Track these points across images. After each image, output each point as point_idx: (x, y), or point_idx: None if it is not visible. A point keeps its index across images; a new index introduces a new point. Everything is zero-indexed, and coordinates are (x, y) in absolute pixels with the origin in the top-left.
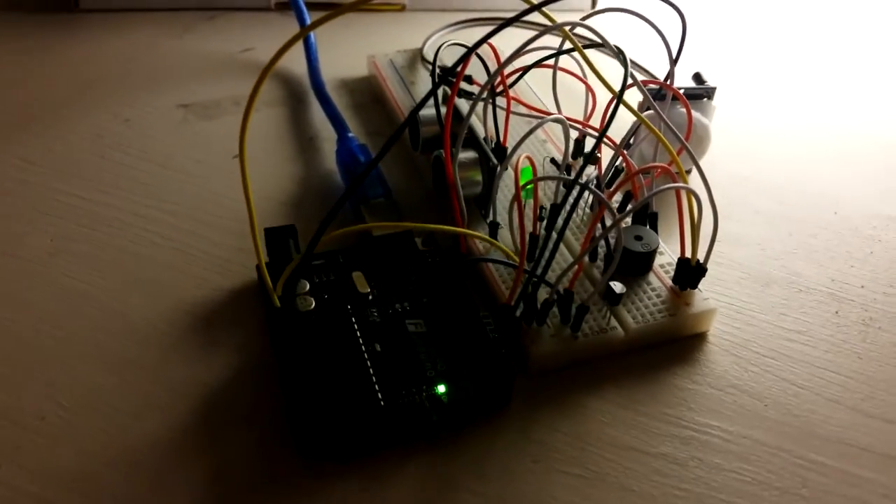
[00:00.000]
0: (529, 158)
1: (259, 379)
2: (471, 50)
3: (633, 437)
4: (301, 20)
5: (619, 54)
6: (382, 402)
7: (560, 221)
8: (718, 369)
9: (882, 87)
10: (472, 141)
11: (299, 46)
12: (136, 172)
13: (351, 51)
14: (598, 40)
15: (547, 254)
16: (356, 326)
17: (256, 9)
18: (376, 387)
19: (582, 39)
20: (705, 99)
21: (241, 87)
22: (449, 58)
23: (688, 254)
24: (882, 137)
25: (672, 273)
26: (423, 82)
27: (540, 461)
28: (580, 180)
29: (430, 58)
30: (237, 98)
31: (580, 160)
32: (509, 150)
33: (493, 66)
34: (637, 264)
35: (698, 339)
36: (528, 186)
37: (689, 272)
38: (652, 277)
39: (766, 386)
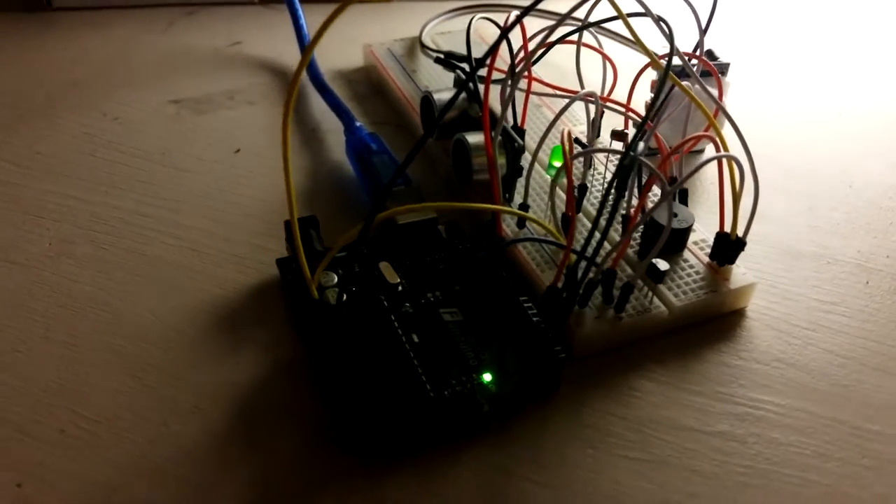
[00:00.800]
0: (569, 133)
1: (293, 376)
2: (504, 32)
3: (689, 416)
4: (294, 11)
5: (660, 23)
6: (432, 394)
7: (589, 202)
8: (762, 344)
9: (883, 67)
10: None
11: (289, 38)
12: (133, 171)
13: (343, 42)
14: (641, 9)
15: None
16: (393, 317)
17: (240, 3)
18: (423, 378)
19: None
20: (720, 75)
21: (233, 81)
22: (446, 42)
23: (726, 228)
24: (886, 115)
25: (706, 249)
26: (425, 70)
27: (597, 447)
28: (632, 153)
29: (430, 44)
30: (231, 92)
31: (597, 140)
32: (545, 130)
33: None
34: (673, 241)
35: (737, 315)
36: (557, 166)
37: (728, 247)
38: (687, 254)
39: (811, 358)
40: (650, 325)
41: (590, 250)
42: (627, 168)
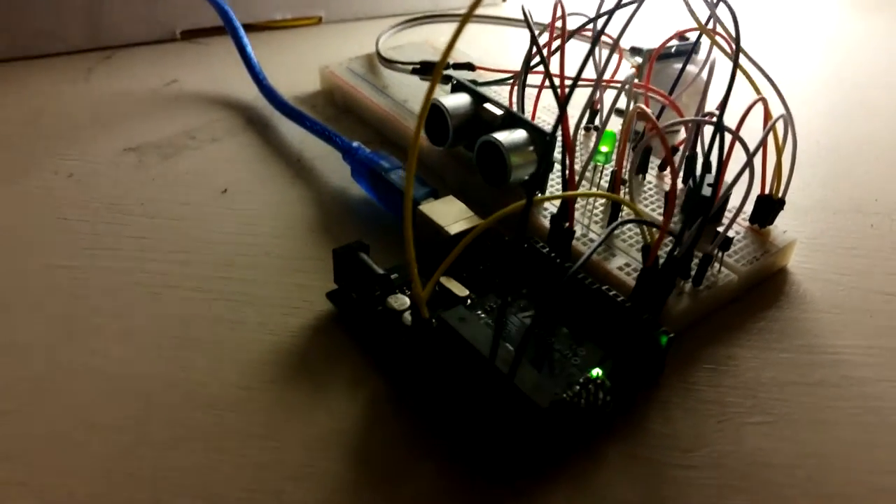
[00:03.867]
0: (642, 108)
1: (394, 411)
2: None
3: (788, 373)
4: (238, 40)
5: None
6: (566, 398)
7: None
8: (816, 295)
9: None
10: (512, 121)
11: (227, 71)
12: (118, 227)
13: (283, 69)
14: None
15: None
16: (488, 331)
17: (160, 41)
18: (547, 387)
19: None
20: (694, 55)
21: (186, 120)
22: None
23: (766, 190)
24: None
25: (741, 214)
26: (397, 83)
27: (723, 420)
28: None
29: (392, 57)
30: (189, 131)
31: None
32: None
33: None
34: (717, 210)
35: (781, 273)
36: (607, 151)
37: (769, 208)
38: (726, 221)
39: (862, 300)
40: (724, 293)
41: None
42: (715, 141)
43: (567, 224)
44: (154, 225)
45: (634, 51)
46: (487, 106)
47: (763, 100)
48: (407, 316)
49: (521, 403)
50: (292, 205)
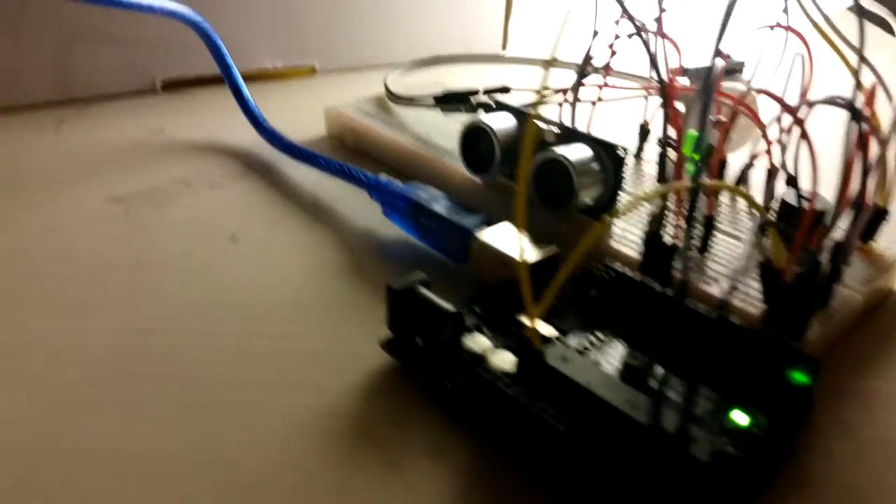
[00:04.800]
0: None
1: (494, 480)
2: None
3: None
4: (232, 79)
5: None
6: (730, 451)
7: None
8: None
9: None
10: (570, 137)
11: (217, 119)
12: (106, 283)
13: (280, 116)
14: None
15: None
16: (601, 373)
17: (139, 92)
18: (701, 438)
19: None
20: (736, 73)
21: (180, 169)
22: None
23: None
24: None
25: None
26: (417, 119)
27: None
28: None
29: (403, 92)
30: (184, 179)
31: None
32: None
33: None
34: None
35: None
36: (694, 158)
37: (874, 219)
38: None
39: None
40: (852, 316)
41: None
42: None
43: (673, 238)
44: (152, 279)
45: (685, 70)
46: (539, 123)
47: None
48: (497, 359)
49: (677, 460)
50: (316, 249)
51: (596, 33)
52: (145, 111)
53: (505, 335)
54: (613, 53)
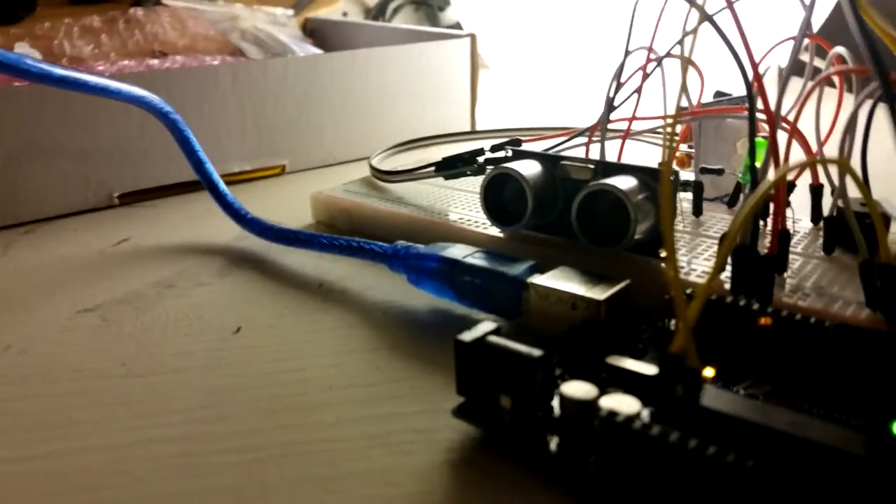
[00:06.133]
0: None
1: None
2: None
3: None
4: (215, 190)
5: None
6: None
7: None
8: None
9: None
10: (609, 171)
11: (203, 223)
12: (93, 397)
13: (265, 212)
14: None
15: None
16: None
17: (95, 210)
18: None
19: None
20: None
21: (157, 272)
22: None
23: None
24: None
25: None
26: (410, 194)
27: None
28: None
29: (385, 167)
30: (165, 281)
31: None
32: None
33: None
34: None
35: None
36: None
37: None
38: None
39: None
40: None
41: None
42: None
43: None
44: (148, 384)
45: (719, 95)
46: (568, 163)
47: None
48: (611, 405)
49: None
50: (338, 330)
51: (627, 53)
52: (106, 223)
53: (594, 381)
54: (644, 82)
